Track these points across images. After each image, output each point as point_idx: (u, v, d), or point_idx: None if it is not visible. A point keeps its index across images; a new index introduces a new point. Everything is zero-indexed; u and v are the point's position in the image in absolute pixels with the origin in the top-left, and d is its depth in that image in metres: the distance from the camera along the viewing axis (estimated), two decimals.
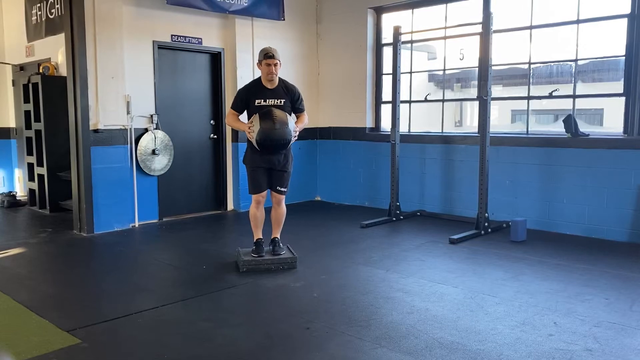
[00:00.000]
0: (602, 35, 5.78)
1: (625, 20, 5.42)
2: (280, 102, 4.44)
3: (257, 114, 4.32)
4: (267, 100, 4.42)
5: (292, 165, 4.67)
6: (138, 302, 3.80)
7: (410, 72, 7.20)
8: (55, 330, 3.27)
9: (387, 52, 7.35)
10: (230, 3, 6.68)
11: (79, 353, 2.98)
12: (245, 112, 4.57)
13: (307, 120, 4.73)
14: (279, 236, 4.74)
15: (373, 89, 7.53)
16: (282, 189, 4.60)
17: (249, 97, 4.47)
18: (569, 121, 5.69)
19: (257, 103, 4.41)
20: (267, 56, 4.40)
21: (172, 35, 6.54)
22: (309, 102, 7.79)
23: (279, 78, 4.53)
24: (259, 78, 4.54)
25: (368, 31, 7.42)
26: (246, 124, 4.39)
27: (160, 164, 6.48)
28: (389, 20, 7.35)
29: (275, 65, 4.41)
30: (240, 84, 7.03)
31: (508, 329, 3.26)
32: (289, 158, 4.61)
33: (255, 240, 4.66)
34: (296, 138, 4.48)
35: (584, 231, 5.64)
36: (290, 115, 4.46)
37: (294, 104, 4.55)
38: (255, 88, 4.51)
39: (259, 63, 4.48)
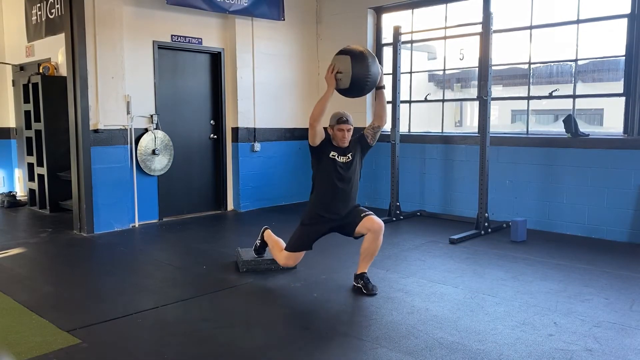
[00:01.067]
0: (602, 35, 5.78)
1: (625, 20, 5.43)
2: (350, 157, 4.06)
3: (339, 54, 3.89)
4: (340, 157, 4.03)
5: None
6: (138, 302, 3.79)
7: (410, 72, 7.20)
8: (55, 330, 3.27)
9: (387, 52, 7.35)
10: (230, 3, 6.68)
11: (79, 353, 2.98)
12: (314, 161, 4.10)
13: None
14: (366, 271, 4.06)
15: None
16: (368, 211, 4.03)
17: (324, 149, 4.04)
18: (569, 121, 5.69)
19: (332, 155, 4.01)
20: (341, 121, 3.99)
21: (172, 35, 6.54)
22: (309, 102, 7.82)
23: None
24: (330, 137, 4.09)
25: (368, 31, 7.43)
26: (328, 72, 3.90)
27: (160, 164, 6.48)
28: (389, 20, 7.35)
29: (349, 131, 4.01)
30: (241, 84, 7.07)
31: (508, 329, 3.26)
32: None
33: (260, 242, 4.55)
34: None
35: (584, 231, 5.64)
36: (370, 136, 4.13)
37: (365, 138, 4.13)
38: (327, 145, 4.06)
39: (331, 128, 4.04)
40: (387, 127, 7.05)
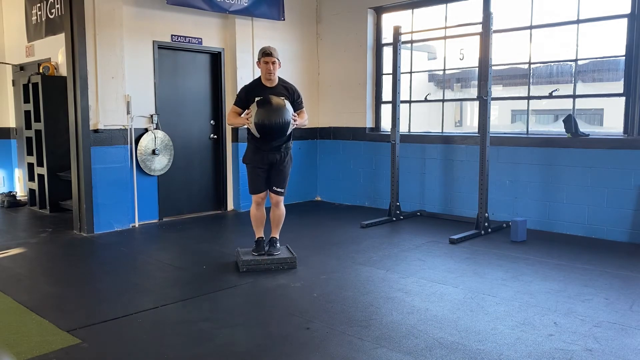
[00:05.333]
0: (602, 35, 5.78)
1: (625, 20, 5.42)
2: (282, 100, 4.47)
3: (255, 101, 4.36)
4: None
5: (291, 167, 4.69)
6: (138, 302, 3.80)
7: (410, 72, 7.20)
8: (55, 330, 3.27)
9: (387, 52, 7.35)
10: (230, 3, 6.68)
11: (79, 353, 2.98)
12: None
13: (307, 118, 4.76)
14: (277, 236, 4.77)
15: (373, 89, 7.53)
16: (279, 189, 4.62)
17: (249, 95, 4.48)
18: (569, 121, 5.69)
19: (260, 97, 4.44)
20: (265, 54, 4.43)
21: (172, 35, 6.54)
22: (309, 102, 7.80)
23: (279, 78, 4.57)
24: (259, 77, 4.57)
25: (368, 31, 7.43)
26: (244, 115, 4.44)
27: (160, 164, 6.48)
28: (389, 20, 7.35)
29: (274, 63, 4.45)
30: (240, 84, 7.02)
31: (508, 329, 3.26)
32: (289, 157, 4.63)
33: (256, 239, 4.68)
34: (295, 125, 4.47)
35: (584, 231, 5.64)
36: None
37: (294, 103, 4.56)
38: (255, 87, 4.53)
39: (258, 62, 4.51)
40: (387, 127, 7.08)
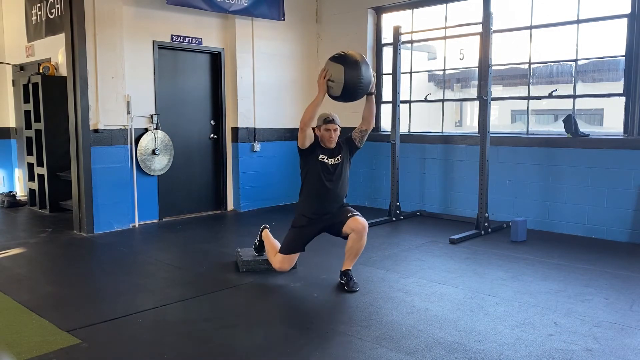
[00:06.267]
0: (602, 35, 5.77)
1: (625, 20, 5.43)
2: (339, 159, 4.17)
3: (334, 61, 3.88)
4: (329, 159, 4.14)
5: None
6: (138, 302, 3.80)
7: (410, 72, 7.20)
8: (55, 330, 3.27)
9: (387, 52, 7.35)
10: (230, 3, 6.68)
11: (79, 353, 2.98)
12: (302, 163, 4.19)
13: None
14: (350, 268, 4.11)
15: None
16: (356, 213, 4.10)
17: (314, 147, 4.14)
18: (569, 121, 5.69)
19: (321, 158, 4.11)
20: (326, 121, 4.10)
21: (172, 35, 6.54)
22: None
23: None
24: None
25: (368, 31, 7.43)
26: (320, 77, 3.93)
27: (160, 164, 6.48)
28: (389, 20, 7.35)
29: (335, 130, 4.12)
30: (240, 84, 7.07)
31: (508, 329, 3.26)
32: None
33: (257, 240, 4.61)
34: (373, 88, 4.08)
35: (584, 231, 5.64)
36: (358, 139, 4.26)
37: (352, 140, 4.25)
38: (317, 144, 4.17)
39: (318, 128, 4.13)
40: (387, 127, 7.07)
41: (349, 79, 3.83)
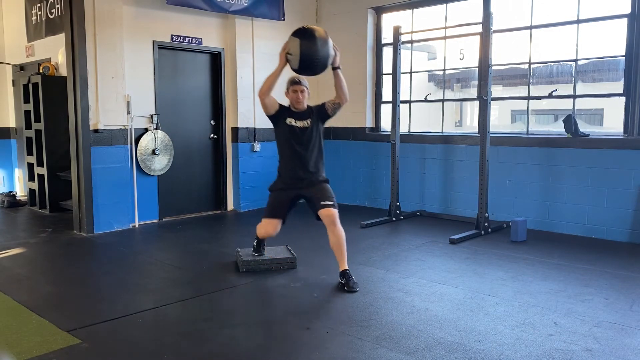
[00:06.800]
0: (602, 35, 5.78)
1: (625, 20, 5.43)
2: (308, 122, 4.26)
3: (293, 35, 3.96)
4: (297, 122, 4.24)
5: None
6: (138, 302, 3.80)
7: (410, 72, 7.20)
8: (55, 330, 3.27)
9: (387, 52, 7.35)
10: (230, 3, 6.68)
11: (79, 353, 2.98)
12: (275, 130, 4.38)
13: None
14: (347, 267, 4.08)
15: (373, 89, 7.53)
16: (329, 202, 4.12)
17: (282, 112, 4.27)
18: (569, 121, 5.69)
19: (289, 122, 4.23)
20: (293, 83, 4.22)
21: (172, 35, 6.54)
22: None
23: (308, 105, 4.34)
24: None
25: (368, 31, 7.43)
26: (282, 50, 3.99)
27: (160, 164, 6.48)
28: (389, 20, 7.35)
29: (302, 92, 4.21)
30: (240, 84, 7.06)
31: (508, 329, 3.26)
32: (324, 181, 4.31)
33: (256, 240, 4.62)
34: (337, 61, 4.12)
35: (584, 231, 5.64)
36: (329, 110, 4.30)
37: (322, 107, 4.31)
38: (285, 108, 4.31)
39: (287, 91, 4.27)
40: (387, 126, 7.08)
41: (305, 52, 3.91)
